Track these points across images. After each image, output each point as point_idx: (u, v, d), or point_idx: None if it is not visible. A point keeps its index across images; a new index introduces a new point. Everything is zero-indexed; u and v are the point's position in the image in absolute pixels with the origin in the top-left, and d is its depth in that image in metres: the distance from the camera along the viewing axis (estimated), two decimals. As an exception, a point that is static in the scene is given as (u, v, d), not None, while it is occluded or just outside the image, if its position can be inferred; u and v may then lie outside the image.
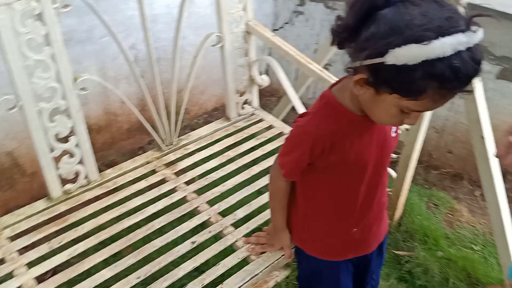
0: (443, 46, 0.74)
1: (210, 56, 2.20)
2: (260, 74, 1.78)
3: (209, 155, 1.60)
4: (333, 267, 1.15)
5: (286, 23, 2.49)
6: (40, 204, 1.37)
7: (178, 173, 1.52)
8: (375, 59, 0.80)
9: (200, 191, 1.46)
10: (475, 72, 0.79)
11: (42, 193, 1.41)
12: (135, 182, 1.47)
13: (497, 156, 0.95)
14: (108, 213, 1.36)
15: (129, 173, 1.51)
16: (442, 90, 0.79)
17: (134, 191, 1.44)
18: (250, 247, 1.26)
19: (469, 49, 0.76)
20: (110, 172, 1.50)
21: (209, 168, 1.54)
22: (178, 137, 1.66)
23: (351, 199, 1.05)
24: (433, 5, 0.79)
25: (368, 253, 1.17)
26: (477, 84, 1.37)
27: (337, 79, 1.01)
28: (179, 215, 1.37)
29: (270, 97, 2.54)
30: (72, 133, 1.34)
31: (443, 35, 0.75)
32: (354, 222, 1.09)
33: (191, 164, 1.56)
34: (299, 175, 1.05)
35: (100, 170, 1.48)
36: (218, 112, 2.45)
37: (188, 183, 1.49)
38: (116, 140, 2.06)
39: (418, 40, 0.75)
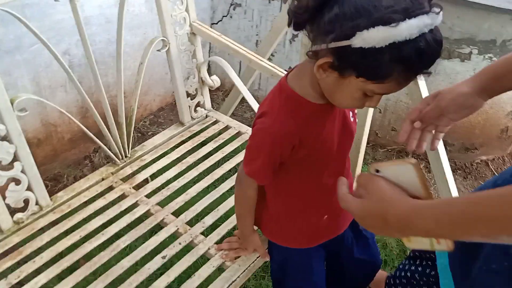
0: (410, 28, 0.73)
1: (150, 56, 2.12)
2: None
3: (168, 164, 1.53)
4: (304, 254, 1.16)
5: (224, 16, 2.44)
6: (-10, 238, 1.26)
7: (137, 187, 1.46)
8: (341, 42, 0.77)
9: (163, 203, 1.40)
10: (438, 53, 0.79)
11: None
12: (92, 202, 1.38)
13: (400, 141, 1.00)
14: (67, 239, 1.27)
15: (84, 193, 1.41)
16: (407, 72, 0.79)
17: (92, 212, 1.35)
18: (224, 254, 1.24)
19: (430, 30, 0.76)
20: (62, 195, 1.39)
21: (170, 177, 1.48)
22: (132, 148, 1.58)
23: (319, 188, 1.06)
24: None
25: (338, 234, 1.18)
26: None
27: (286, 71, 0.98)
28: (145, 231, 1.31)
29: (216, 91, 2.51)
30: (16, 158, 1.23)
31: (409, 17, 0.73)
32: (324, 209, 1.10)
33: (149, 176, 1.50)
34: (272, 177, 1.03)
35: (49, 191, 1.37)
36: (164, 112, 2.37)
37: (149, 196, 1.42)
38: (58, 152, 1.94)
39: (386, 22, 0.73)
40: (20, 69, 1.68)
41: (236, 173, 1.12)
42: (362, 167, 1.94)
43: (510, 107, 2.07)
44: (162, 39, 1.50)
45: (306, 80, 0.91)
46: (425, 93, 1.47)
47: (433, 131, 1.01)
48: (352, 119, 1.04)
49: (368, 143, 2.15)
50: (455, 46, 1.94)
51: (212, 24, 2.48)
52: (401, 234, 0.74)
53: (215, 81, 1.71)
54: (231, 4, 2.39)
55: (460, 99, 0.95)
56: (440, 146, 1.48)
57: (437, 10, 0.76)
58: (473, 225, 0.62)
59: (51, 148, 1.91)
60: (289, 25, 0.85)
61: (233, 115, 2.18)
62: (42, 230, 1.29)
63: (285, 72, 1.01)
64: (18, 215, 1.29)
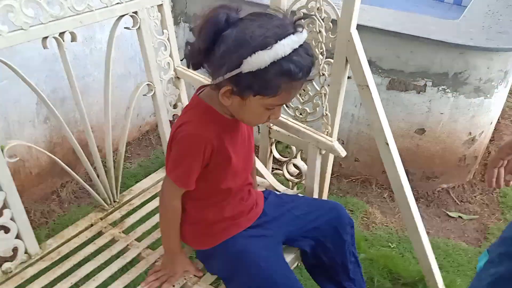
0: (283, 47, 0.95)
1: (117, 91, 2.17)
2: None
3: (157, 207, 1.50)
4: (235, 242, 1.21)
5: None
6: (-23, 291, 1.22)
7: (126, 231, 1.44)
8: (234, 71, 0.97)
9: (154, 245, 1.39)
10: (312, 63, 1.02)
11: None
12: (82, 248, 1.35)
13: (490, 187, 1.14)
14: (58, 286, 1.23)
15: (73, 239, 1.38)
16: (292, 82, 1.00)
17: (82, 258, 1.32)
18: None
19: (301, 46, 0.98)
20: (51, 242, 1.36)
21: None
22: (120, 193, 1.56)
23: (230, 186, 1.19)
24: (265, 18, 1.01)
25: (259, 213, 1.29)
26: (375, 96, 1.51)
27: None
28: (137, 275, 1.28)
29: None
30: (5, 205, 1.20)
31: (280, 39, 0.95)
32: (237, 201, 1.24)
33: (139, 220, 1.48)
34: (195, 182, 1.13)
35: (39, 242, 1.34)
36: (131, 146, 2.39)
37: (139, 239, 1.41)
38: (25, 188, 1.93)
39: (263, 46, 0.94)
40: (-12, 104, 1.70)
41: (160, 190, 1.21)
42: (328, 197, 2.00)
43: (465, 136, 2.18)
44: (148, 84, 1.53)
45: (215, 101, 1.09)
46: (384, 123, 1.53)
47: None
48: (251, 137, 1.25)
49: (332, 173, 2.21)
50: (411, 79, 2.06)
51: (181, 60, 2.55)
52: None
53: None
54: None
55: None
56: (403, 176, 1.55)
57: (300, 29, 0.99)
58: None
59: (18, 183, 1.87)
60: (188, 67, 1.07)
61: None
62: (31, 279, 1.25)
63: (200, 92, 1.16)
64: (7, 265, 1.25)
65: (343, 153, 1.39)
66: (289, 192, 1.59)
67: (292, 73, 0.97)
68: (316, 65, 1.46)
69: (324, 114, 1.42)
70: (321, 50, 1.41)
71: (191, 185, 1.13)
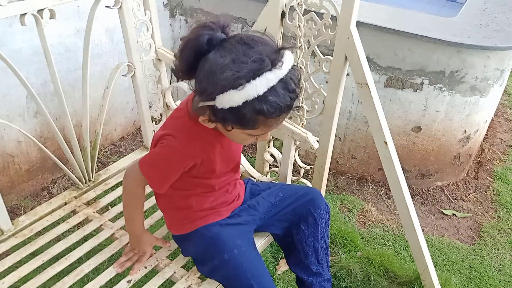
0: (255, 87, 0.88)
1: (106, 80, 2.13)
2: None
3: None
4: (212, 228, 1.23)
5: (185, 46, 2.49)
6: (-51, 264, 1.20)
7: (101, 211, 1.43)
8: (209, 102, 0.93)
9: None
10: (292, 99, 0.93)
11: None
12: (55, 226, 1.35)
13: None
14: (29, 264, 1.23)
15: (46, 217, 1.38)
16: (269, 119, 0.94)
17: (55, 236, 1.32)
18: (131, 270, 1.25)
19: (281, 80, 0.90)
20: (24, 219, 1.35)
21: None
22: (96, 172, 1.56)
23: (213, 184, 1.21)
24: (243, 48, 0.91)
25: (239, 204, 1.30)
26: (374, 94, 1.49)
27: None
28: (109, 255, 1.29)
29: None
30: None
31: (254, 77, 0.88)
32: (221, 193, 1.24)
33: (114, 199, 1.48)
34: (167, 188, 1.14)
35: (12, 218, 1.34)
36: (125, 141, 2.35)
37: (113, 220, 1.40)
38: (15, 184, 1.88)
39: (234, 86, 0.88)
40: (-24, 98, 1.65)
41: (124, 173, 1.20)
42: (325, 194, 1.98)
43: (461, 134, 2.18)
44: (128, 65, 1.51)
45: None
46: (383, 121, 1.52)
47: None
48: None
49: (329, 170, 2.20)
50: (408, 77, 2.04)
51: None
52: None
53: (179, 106, 1.73)
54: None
55: None
56: (400, 174, 1.54)
57: (280, 64, 0.90)
58: None
59: (8, 179, 1.85)
60: (177, 80, 1.03)
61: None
62: (3, 255, 1.26)
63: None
64: None
65: (315, 144, 1.43)
66: (264, 179, 1.62)
67: (266, 113, 0.91)
68: (316, 62, 1.45)
69: (300, 106, 1.45)
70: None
71: (162, 190, 1.15)
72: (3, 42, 1.66)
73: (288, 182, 1.56)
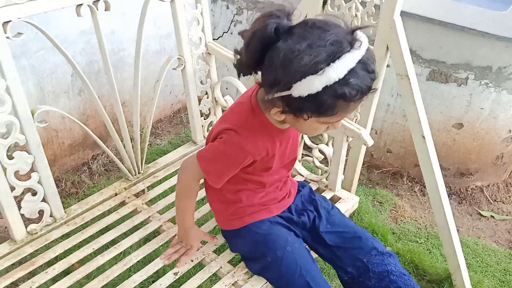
0: (336, 70, 0.84)
1: (151, 67, 2.17)
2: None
3: None
4: (263, 225, 1.21)
5: (225, 32, 2.50)
6: (3, 248, 1.24)
7: (149, 203, 1.46)
8: (283, 92, 0.89)
9: (175, 219, 1.37)
10: (372, 80, 0.90)
11: (3, 236, 1.31)
12: (105, 216, 1.38)
13: None
14: (80, 251, 1.26)
15: (97, 206, 1.41)
16: (350, 102, 0.90)
17: (105, 225, 1.35)
18: (178, 263, 1.25)
19: (359, 61, 0.87)
20: (76, 208, 1.39)
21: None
22: (145, 164, 1.58)
23: (266, 181, 1.20)
24: (318, 32, 0.87)
25: (291, 202, 1.28)
26: (415, 87, 1.46)
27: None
28: (157, 246, 1.30)
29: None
30: (33, 169, 1.23)
31: (333, 61, 0.84)
32: (271, 189, 1.23)
33: (162, 192, 1.50)
34: (223, 183, 1.13)
35: (65, 206, 1.38)
36: (162, 123, 2.41)
37: (161, 212, 1.42)
38: (58, 157, 1.96)
39: (314, 71, 0.84)
40: (25, 74, 1.73)
41: (181, 166, 1.19)
42: (357, 187, 1.96)
43: (505, 133, 2.10)
44: (179, 58, 1.52)
45: (268, 109, 1.01)
46: (422, 115, 1.49)
47: None
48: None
49: (363, 164, 2.17)
50: (452, 71, 1.98)
51: (213, 39, 2.54)
52: None
53: (228, 101, 1.71)
54: (232, 21, 2.45)
55: None
56: (437, 171, 1.50)
57: (358, 44, 0.87)
58: None
59: (51, 152, 1.93)
60: (238, 77, 1.00)
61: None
62: (55, 242, 1.30)
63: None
64: (32, 226, 1.28)
65: (370, 142, 1.37)
66: (313, 177, 1.59)
67: (348, 96, 0.87)
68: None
69: (376, 88, 1.38)
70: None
71: (219, 185, 1.13)
72: (50, 22, 1.72)
73: (339, 180, 1.53)
